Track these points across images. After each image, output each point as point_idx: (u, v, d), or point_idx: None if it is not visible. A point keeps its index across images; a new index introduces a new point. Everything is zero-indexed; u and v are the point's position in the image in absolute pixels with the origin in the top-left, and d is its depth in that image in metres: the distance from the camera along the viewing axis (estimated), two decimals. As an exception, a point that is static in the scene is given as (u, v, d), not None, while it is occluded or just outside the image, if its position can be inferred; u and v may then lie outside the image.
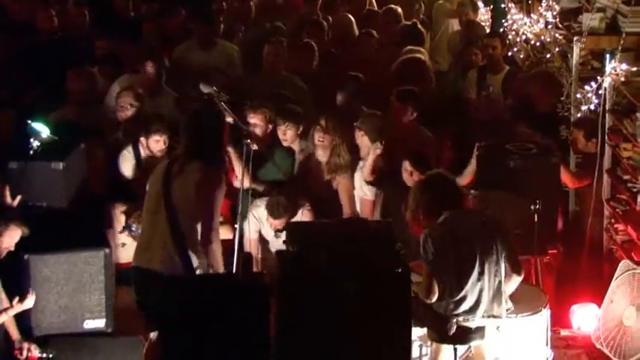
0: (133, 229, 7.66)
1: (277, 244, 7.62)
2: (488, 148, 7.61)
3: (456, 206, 6.54)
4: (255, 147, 7.68)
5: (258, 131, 8.16)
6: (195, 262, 6.67)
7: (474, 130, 8.50)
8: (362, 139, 8.10)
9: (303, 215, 7.95)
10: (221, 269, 6.75)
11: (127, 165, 8.21)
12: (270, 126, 8.27)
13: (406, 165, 7.80)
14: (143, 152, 8.21)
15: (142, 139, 8.17)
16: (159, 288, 6.05)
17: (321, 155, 8.17)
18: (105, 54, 9.78)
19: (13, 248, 6.55)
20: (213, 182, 6.60)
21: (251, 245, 7.98)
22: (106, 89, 9.25)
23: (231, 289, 5.91)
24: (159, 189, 6.73)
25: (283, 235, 7.13)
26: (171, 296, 5.83)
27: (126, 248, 7.72)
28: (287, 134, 8.26)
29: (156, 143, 8.13)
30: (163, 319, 5.85)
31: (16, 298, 6.62)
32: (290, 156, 8.38)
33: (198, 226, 6.65)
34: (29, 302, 6.66)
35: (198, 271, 6.68)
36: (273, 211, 7.80)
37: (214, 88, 7.92)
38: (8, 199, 6.82)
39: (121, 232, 7.79)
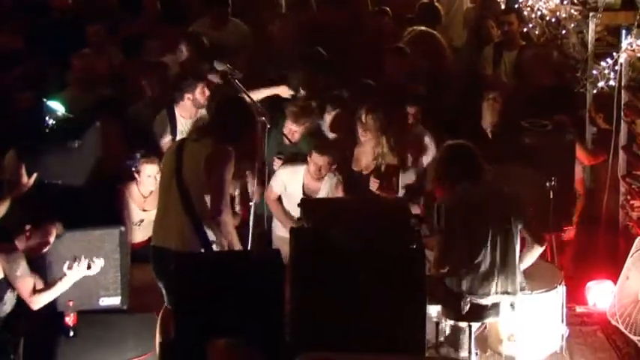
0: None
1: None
2: (504, 124, 7.65)
3: (475, 177, 6.54)
4: (269, 126, 7.80)
5: (295, 136, 8.16)
6: (212, 237, 6.72)
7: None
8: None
9: (336, 186, 7.95)
10: (236, 242, 6.75)
11: (162, 127, 8.20)
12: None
13: None
14: (183, 112, 8.22)
15: (188, 95, 8.16)
16: (173, 264, 6.04)
17: (367, 147, 8.10)
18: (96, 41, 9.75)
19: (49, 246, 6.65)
20: (221, 158, 6.63)
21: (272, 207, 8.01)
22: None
23: (245, 265, 5.94)
24: (171, 167, 6.80)
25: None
26: (185, 272, 5.85)
27: (141, 227, 7.80)
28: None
29: (203, 94, 8.18)
30: (177, 296, 5.89)
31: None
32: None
33: (208, 199, 6.68)
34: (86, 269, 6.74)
35: (214, 246, 6.71)
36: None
37: (228, 65, 7.96)
38: (24, 177, 6.87)
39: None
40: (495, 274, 6.44)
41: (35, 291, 6.54)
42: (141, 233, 7.81)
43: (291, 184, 8.01)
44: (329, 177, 7.96)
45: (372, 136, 8.02)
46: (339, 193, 7.96)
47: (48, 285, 6.65)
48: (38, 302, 6.56)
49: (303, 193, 7.94)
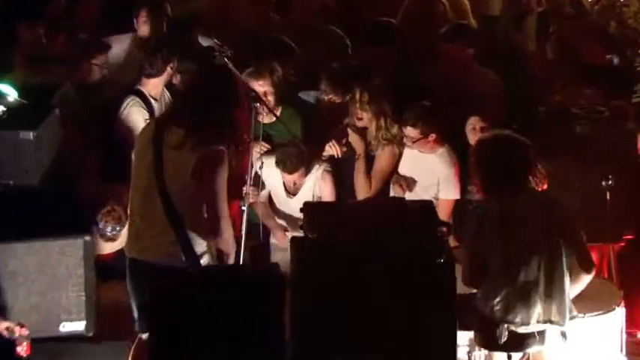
0: (101, 226, 7.61)
1: (289, 207, 7.88)
2: (551, 111, 7.60)
3: (521, 181, 6.46)
4: (266, 115, 7.84)
5: (270, 100, 8.08)
6: (199, 249, 6.63)
7: (532, 90, 8.51)
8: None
9: (322, 178, 7.95)
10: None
11: (138, 117, 8.15)
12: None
13: (475, 122, 7.78)
14: (153, 90, 8.34)
15: (170, 64, 8.31)
16: (151, 283, 6.01)
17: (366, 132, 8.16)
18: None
19: None
20: (212, 163, 6.50)
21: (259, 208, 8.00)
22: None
23: (237, 282, 5.83)
24: (149, 169, 6.63)
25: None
26: (163, 291, 5.78)
27: (110, 237, 7.71)
28: None
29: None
30: (153, 320, 5.82)
31: None
32: (297, 115, 8.38)
33: (200, 209, 6.57)
34: None
35: (204, 259, 6.65)
36: (285, 164, 7.77)
37: (216, 40, 7.92)
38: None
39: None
40: (538, 299, 6.33)
41: None
42: (109, 244, 7.64)
43: (269, 177, 7.96)
44: (313, 168, 7.96)
45: (369, 119, 8.09)
46: (327, 185, 7.96)
47: None
48: None
49: (285, 190, 7.98)
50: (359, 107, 8.09)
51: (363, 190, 8.09)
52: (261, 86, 8.03)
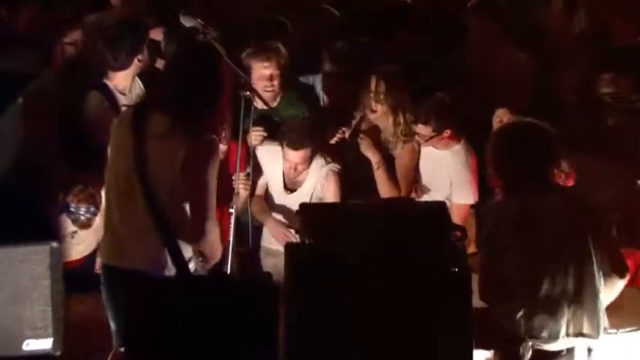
0: (72, 208, 7.51)
1: (286, 204, 7.93)
2: (578, 98, 7.53)
3: (544, 176, 6.34)
4: (257, 103, 7.71)
5: (275, 84, 8.02)
6: (187, 252, 6.50)
7: (558, 73, 8.47)
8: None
9: (327, 178, 7.83)
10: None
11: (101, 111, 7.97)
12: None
13: (502, 114, 7.64)
14: (121, 83, 8.24)
15: (139, 57, 8.27)
16: (129, 292, 5.91)
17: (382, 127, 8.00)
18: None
19: None
20: (205, 155, 6.37)
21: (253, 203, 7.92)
22: None
23: (224, 292, 5.72)
24: (128, 163, 6.47)
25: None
26: (143, 302, 5.68)
27: (76, 239, 7.66)
28: None
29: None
30: (131, 333, 5.71)
31: None
32: (302, 100, 8.30)
33: (187, 208, 6.45)
34: None
35: (191, 264, 6.56)
36: (290, 139, 7.66)
37: (199, 20, 7.85)
38: None
39: (57, 213, 7.53)
40: (566, 309, 6.22)
41: None
42: (78, 247, 7.66)
43: (268, 167, 7.87)
44: (318, 164, 7.78)
45: (383, 112, 7.94)
46: (331, 185, 7.84)
47: None
48: None
49: (284, 185, 7.84)
50: (374, 98, 7.89)
51: None
52: (266, 68, 7.99)
